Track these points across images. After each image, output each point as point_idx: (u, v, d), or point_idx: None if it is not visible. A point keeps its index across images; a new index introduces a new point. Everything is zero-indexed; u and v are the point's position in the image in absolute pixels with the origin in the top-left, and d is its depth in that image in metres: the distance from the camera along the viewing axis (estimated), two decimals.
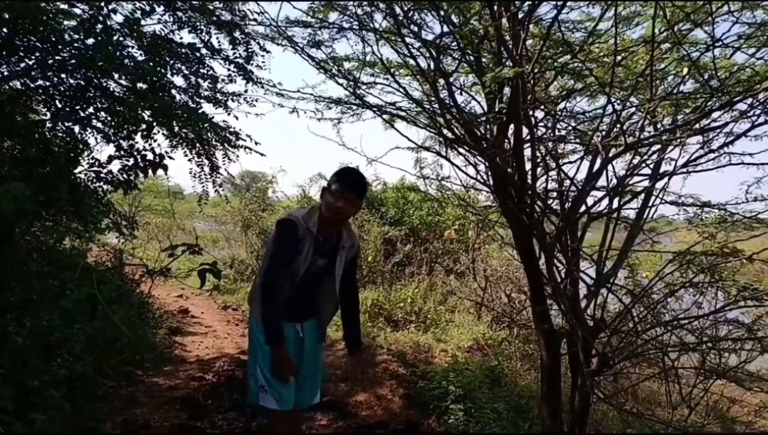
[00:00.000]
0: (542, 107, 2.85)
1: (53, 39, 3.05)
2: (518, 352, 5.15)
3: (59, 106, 3.37)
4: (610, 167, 2.53)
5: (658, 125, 2.56)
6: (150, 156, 3.28)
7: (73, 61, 3.16)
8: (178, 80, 3.81)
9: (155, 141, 3.42)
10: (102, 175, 3.48)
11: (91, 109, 3.44)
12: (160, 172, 3.30)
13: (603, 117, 2.74)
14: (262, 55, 3.95)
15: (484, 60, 2.72)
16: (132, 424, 3.29)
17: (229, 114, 4.00)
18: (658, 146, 2.44)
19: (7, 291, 2.70)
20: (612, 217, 2.66)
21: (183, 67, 3.76)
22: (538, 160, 2.69)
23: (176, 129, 3.65)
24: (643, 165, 2.62)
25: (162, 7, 3.49)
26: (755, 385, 2.62)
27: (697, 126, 2.22)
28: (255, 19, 3.63)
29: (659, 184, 2.58)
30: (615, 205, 2.61)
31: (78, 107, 3.37)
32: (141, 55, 3.43)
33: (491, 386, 4.28)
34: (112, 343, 4.14)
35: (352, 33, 2.89)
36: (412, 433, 3.60)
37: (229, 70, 3.92)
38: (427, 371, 4.51)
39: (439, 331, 5.94)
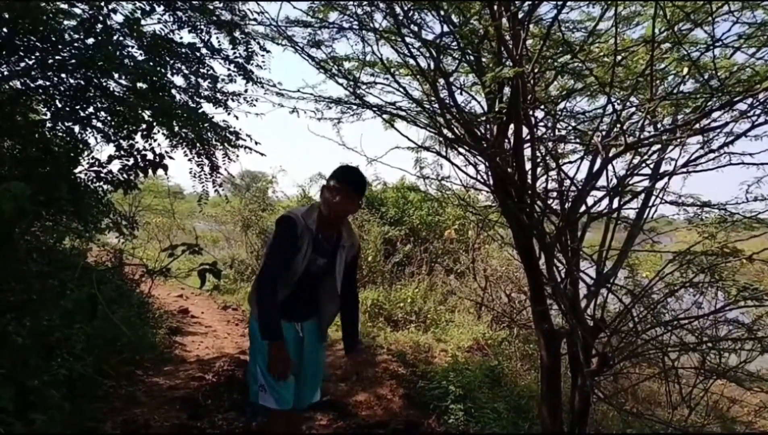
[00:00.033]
0: (542, 107, 2.85)
1: (53, 39, 3.05)
2: (518, 352, 5.15)
3: (59, 105, 3.37)
4: (610, 167, 2.53)
5: (658, 125, 2.56)
6: (150, 156, 3.27)
7: (73, 60, 3.15)
8: (178, 80, 3.81)
9: (155, 141, 3.42)
10: (102, 174, 3.48)
11: (91, 109, 3.44)
12: (160, 171, 3.30)
13: (603, 117, 2.74)
14: (262, 55, 3.95)
15: (484, 60, 2.72)
16: (132, 424, 3.28)
17: (229, 114, 4.00)
18: (658, 146, 2.44)
19: (7, 291, 2.70)
20: (612, 217, 2.66)
21: (183, 67, 3.76)
22: (538, 160, 2.69)
23: (176, 129, 3.65)
24: (643, 165, 2.62)
25: (162, 7, 3.49)
26: (755, 385, 2.62)
27: (697, 126, 2.22)
28: (255, 19, 3.63)
29: (659, 184, 2.58)
30: (615, 205, 2.61)
31: (78, 107, 3.37)
32: (141, 54, 3.43)
33: (491, 386, 4.28)
34: (112, 343, 4.14)
35: (352, 33, 2.89)
36: (412, 433, 3.60)
37: (229, 69, 3.92)
38: (427, 371, 4.51)
39: (439, 331, 5.94)
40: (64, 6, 3.09)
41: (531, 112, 2.65)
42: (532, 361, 4.95)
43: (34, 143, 2.96)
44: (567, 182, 2.76)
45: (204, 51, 3.81)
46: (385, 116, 3.11)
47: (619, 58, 2.32)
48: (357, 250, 2.54)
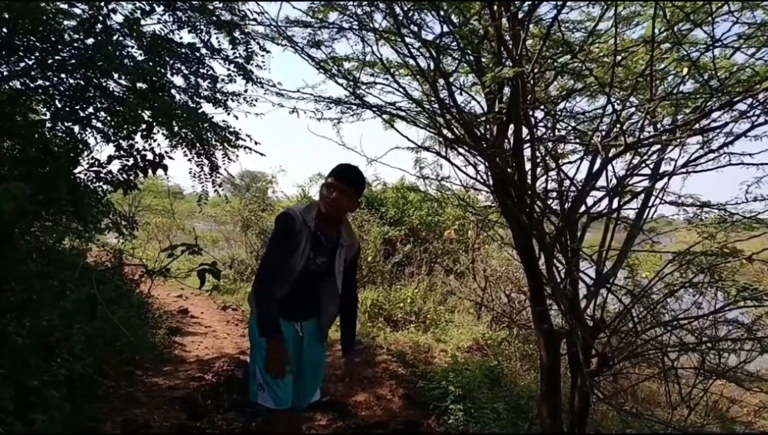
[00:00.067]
0: (542, 107, 2.85)
1: (53, 39, 3.05)
2: (518, 352, 5.15)
3: (59, 106, 3.37)
4: (609, 167, 2.53)
5: (658, 125, 2.56)
6: (150, 156, 3.27)
7: (72, 61, 3.15)
8: (178, 80, 3.81)
9: (155, 141, 3.41)
10: (102, 175, 3.48)
11: (90, 109, 3.44)
12: (159, 172, 3.30)
13: (603, 117, 2.74)
14: (262, 55, 3.95)
15: (484, 60, 2.72)
16: (132, 424, 3.28)
17: (228, 114, 4.00)
18: (658, 146, 2.44)
19: (7, 291, 2.70)
20: (612, 218, 2.66)
21: (183, 67, 3.76)
22: (538, 160, 2.69)
23: (176, 129, 3.65)
24: (643, 165, 2.62)
25: (162, 7, 3.49)
26: (755, 385, 2.63)
27: (697, 126, 2.22)
28: (255, 19, 3.63)
29: (659, 184, 2.58)
30: (615, 205, 2.61)
31: (78, 107, 3.37)
32: (141, 55, 3.43)
33: (491, 386, 4.28)
34: (111, 343, 4.14)
35: (351, 33, 2.89)
36: (412, 433, 3.60)
37: (228, 69, 3.92)
38: (427, 371, 4.51)
39: (438, 331, 5.95)
40: (64, 6, 3.09)
41: (531, 113, 2.65)
42: (531, 361, 4.96)
43: (33, 143, 2.96)
44: (567, 182, 2.76)
45: (204, 51, 3.81)
46: (384, 116, 3.11)
47: (618, 58, 2.32)
48: (357, 251, 2.53)
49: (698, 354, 2.58)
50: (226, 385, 4.01)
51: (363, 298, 6.54)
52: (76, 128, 3.50)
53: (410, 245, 8.34)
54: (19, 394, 2.40)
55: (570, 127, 3.02)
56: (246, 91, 3.98)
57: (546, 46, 2.45)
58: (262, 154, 4.23)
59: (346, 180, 2.31)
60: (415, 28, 2.64)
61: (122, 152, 3.44)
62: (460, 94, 2.98)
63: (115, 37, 3.16)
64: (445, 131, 2.86)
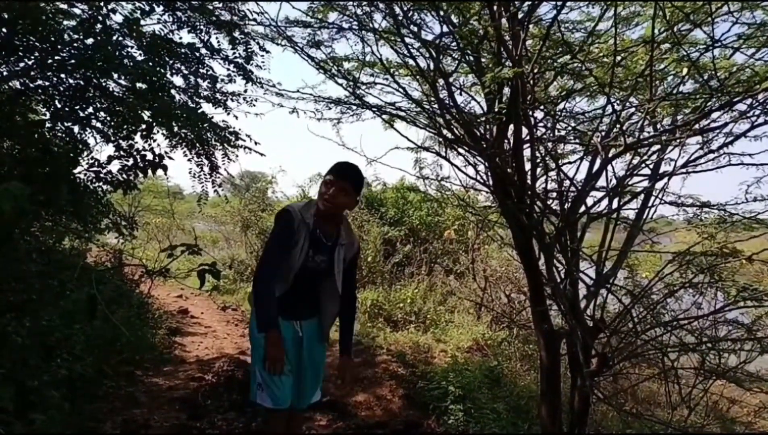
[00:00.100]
0: (542, 107, 2.86)
1: (53, 39, 3.05)
2: (518, 352, 5.16)
3: (59, 106, 3.37)
4: (609, 167, 2.53)
5: (658, 125, 2.56)
6: (149, 156, 3.27)
7: (72, 61, 3.15)
8: (178, 80, 3.81)
9: (155, 141, 3.41)
10: (101, 175, 3.48)
11: (90, 109, 3.44)
12: (159, 172, 3.30)
13: (603, 117, 2.74)
14: (262, 55, 3.95)
15: (483, 60, 2.72)
16: (132, 424, 3.28)
17: (228, 114, 4.00)
18: (658, 146, 2.44)
19: (7, 291, 2.70)
20: (611, 218, 2.66)
21: (182, 67, 3.75)
22: (538, 160, 2.69)
23: (176, 129, 3.65)
24: (643, 165, 2.62)
25: (161, 7, 3.49)
26: (755, 385, 2.63)
27: (696, 126, 2.22)
28: (254, 19, 3.62)
29: (659, 185, 2.58)
30: (615, 205, 2.61)
31: (77, 107, 3.37)
32: (140, 55, 3.43)
33: (491, 387, 4.28)
34: (111, 343, 4.14)
35: (351, 33, 2.89)
36: (412, 434, 3.60)
37: (228, 70, 3.92)
38: (427, 371, 4.51)
39: (438, 332, 5.95)
40: (64, 6, 3.09)
41: (530, 113, 2.65)
42: (531, 361, 4.96)
43: (33, 143, 2.96)
44: (566, 183, 2.76)
45: (203, 51, 3.80)
46: (384, 116, 3.11)
47: (618, 58, 2.32)
48: (357, 251, 2.52)
49: (698, 354, 2.58)
50: (226, 386, 4.01)
51: (363, 298, 6.54)
52: (76, 128, 3.50)
53: (410, 245, 8.34)
54: (19, 394, 2.40)
55: (570, 128, 3.02)
56: (246, 91, 3.98)
57: (546, 46, 2.45)
58: (261, 154, 4.23)
59: (344, 177, 2.31)
60: (415, 29, 2.64)
61: (122, 152, 3.44)
62: (460, 94, 2.99)
63: (114, 37, 3.16)
64: (444, 131, 2.87)
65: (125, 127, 3.39)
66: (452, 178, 3.37)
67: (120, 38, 3.21)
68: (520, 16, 2.38)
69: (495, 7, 2.31)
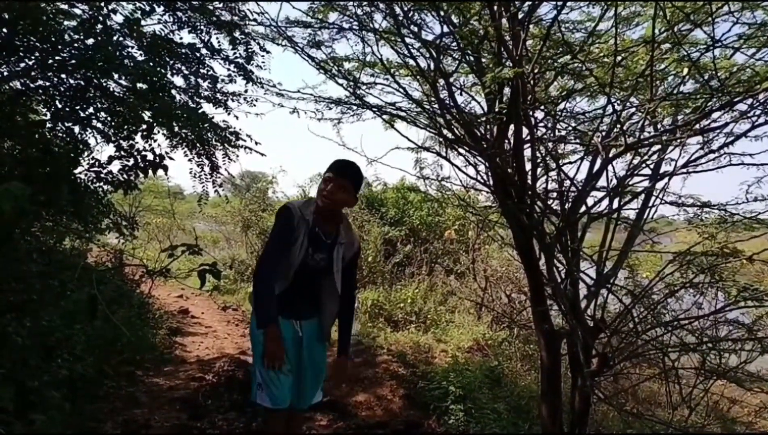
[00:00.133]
0: (542, 107, 2.86)
1: (53, 39, 3.05)
2: (518, 352, 5.16)
3: (59, 106, 3.37)
4: (610, 167, 2.53)
5: (658, 125, 2.56)
6: (150, 156, 3.27)
7: (73, 61, 3.16)
8: (178, 80, 3.81)
9: (155, 141, 3.41)
10: (102, 175, 3.48)
11: (91, 110, 3.44)
12: (160, 172, 3.30)
13: (603, 117, 2.74)
14: (262, 56, 3.95)
15: (484, 60, 2.72)
16: (132, 424, 3.28)
17: (229, 114, 4.00)
18: (658, 147, 2.44)
19: (7, 291, 2.70)
20: (612, 218, 2.66)
21: (183, 67, 3.75)
22: (538, 160, 2.69)
23: (176, 129, 3.65)
24: (643, 165, 2.62)
25: (162, 8, 3.49)
26: (755, 385, 2.63)
27: (697, 126, 2.22)
28: (255, 20, 3.62)
29: (659, 185, 2.59)
30: (615, 205, 2.61)
31: (78, 107, 3.37)
32: (141, 55, 3.43)
33: (491, 387, 4.28)
34: (112, 343, 4.14)
35: (352, 33, 2.89)
36: (413, 434, 3.60)
37: (229, 70, 3.92)
38: (428, 372, 4.51)
39: (439, 332, 5.94)
40: (64, 6, 3.09)
41: (531, 113, 2.65)
42: (532, 361, 4.96)
43: (34, 144, 2.96)
44: (567, 183, 2.76)
45: (204, 51, 3.80)
46: (385, 117, 3.11)
47: (619, 58, 2.32)
48: (357, 251, 2.51)
49: (699, 354, 2.58)
50: (226, 386, 4.01)
51: (363, 298, 6.54)
52: (77, 128, 3.50)
53: (410, 245, 8.34)
54: (20, 394, 2.40)
55: (570, 128, 3.02)
56: (246, 91, 3.98)
57: (546, 46, 2.45)
58: (262, 154, 4.23)
59: (343, 174, 2.31)
60: (415, 29, 2.64)
61: (122, 152, 3.44)
62: (461, 94, 2.99)
63: (115, 38, 3.16)
64: (445, 131, 2.87)
65: (126, 127, 3.39)
66: (453, 178, 3.37)
67: (120, 38, 3.21)
68: (520, 16, 2.38)
69: (495, 7, 2.31)
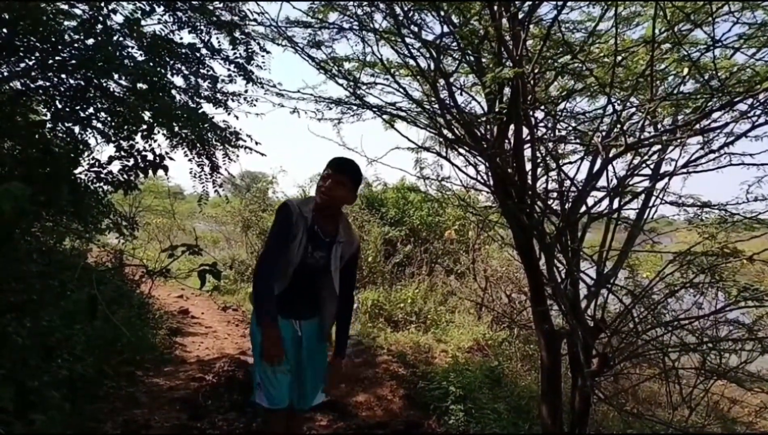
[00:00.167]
0: (542, 107, 2.86)
1: (53, 39, 3.05)
2: (518, 352, 5.15)
3: (59, 106, 3.37)
4: (610, 167, 2.53)
5: (659, 125, 2.56)
6: (150, 156, 3.27)
7: (73, 61, 3.16)
8: (178, 80, 3.81)
9: (155, 141, 3.41)
10: (102, 175, 3.48)
11: (91, 110, 3.44)
12: (160, 172, 3.30)
13: (603, 117, 2.74)
14: (262, 56, 3.95)
15: (484, 60, 2.72)
16: (132, 425, 3.28)
17: (229, 114, 4.00)
18: (659, 147, 2.44)
19: (7, 291, 2.70)
20: (612, 218, 2.66)
21: (183, 68, 3.75)
22: (539, 160, 2.69)
23: (176, 129, 3.65)
24: (644, 165, 2.62)
25: (162, 8, 3.49)
26: (756, 385, 2.62)
27: (697, 126, 2.22)
28: (255, 20, 3.63)
29: (659, 185, 2.59)
30: (615, 205, 2.61)
31: (78, 108, 3.37)
32: (141, 55, 3.43)
33: (491, 387, 4.28)
34: (112, 343, 4.14)
35: (352, 33, 2.89)
36: (413, 434, 3.60)
37: (229, 70, 3.92)
38: (428, 372, 4.51)
39: (439, 332, 5.94)
40: (65, 7, 3.09)
41: (531, 113, 2.65)
42: (532, 361, 4.96)
43: (34, 144, 2.96)
44: (567, 183, 2.76)
45: (204, 51, 3.80)
46: (385, 117, 3.11)
47: (619, 58, 2.32)
48: (356, 250, 2.49)
49: (699, 354, 2.58)
50: (226, 386, 4.01)
51: (363, 299, 6.54)
52: (77, 129, 3.50)
53: (411, 246, 8.35)
54: (20, 395, 2.40)
55: (570, 128, 3.02)
56: (246, 91, 3.98)
57: (546, 46, 2.45)
58: (262, 154, 4.23)
59: (341, 170, 2.31)
60: (416, 29, 2.64)
61: (123, 153, 3.44)
62: (461, 94, 2.99)
63: (115, 38, 3.16)
64: (445, 131, 2.87)
65: (126, 127, 3.39)
66: (453, 178, 3.37)
67: (121, 39, 3.21)
68: (520, 16, 2.38)
69: (495, 7, 2.31)
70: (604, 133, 2.66)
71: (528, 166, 2.63)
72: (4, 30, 2.95)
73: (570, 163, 3.00)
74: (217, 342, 5.65)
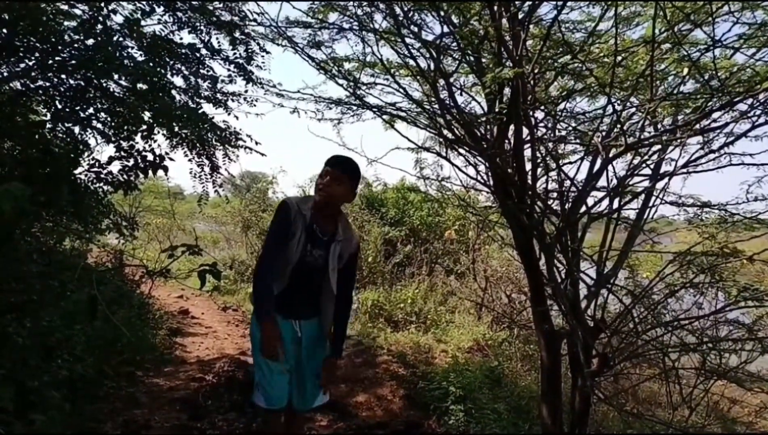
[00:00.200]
0: (542, 108, 2.85)
1: (53, 40, 3.05)
2: (518, 352, 5.15)
3: (59, 106, 3.37)
4: (610, 168, 2.53)
5: (659, 125, 2.56)
6: (150, 157, 3.27)
7: (73, 61, 3.16)
8: (178, 81, 3.80)
9: (155, 141, 3.42)
10: (102, 175, 3.48)
11: (91, 110, 3.44)
12: (160, 172, 3.30)
13: (603, 117, 2.74)
14: (262, 56, 3.95)
15: (484, 60, 2.72)
16: (132, 425, 3.28)
17: (229, 114, 4.00)
18: (659, 147, 2.44)
19: (7, 291, 2.70)
20: (612, 218, 2.66)
21: (183, 68, 3.75)
22: (539, 160, 2.69)
23: (176, 129, 3.65)
24: (644, 165, 2.62)
25: (162, 8, 3.49)
26: (756, 385, 2.62)
27: (697, 126, 2.22)
28: (255, 20, 3.62)
29: (659, 185, 2.58)
30: (615, 205, 2.61)
31: (78, 108, 3.37)
32: (141, 55, 3.43)
33: (491, 387, 4.28)
34: (112, 343, 4.14)
35: (352, 33, 2.89)
36: (413, 434, 3.60)
37: (229, 70, 3.92)
38: (428, 372, 4.51)
39: (439, 332, 5.94)
40: (64, 7, 3.09)
41: (531, 113, 2.65)
42: (532, 361, 4.95)
43: (34, 144, 2.96)
44: (567, 183, 2.76)
45: (204, 52, 3.80)
46: (385, 117, 3.11)
47: (619, 58, 2.32)
48: (356, 249, 2.48)
49: (699, 354, 2.58)
50: (226, 386, 4.01)
51: (363, 299, 6.55)
52: (77, 129, 3.50)
53: (411, 246, 8.35)
54: (20, 395, 2.40)
55: (570, 128, 3.02)
56: (246, 91, 3.98)
57: (546, 46, 2.45)
58: (262, 155, 4.22)
59: (338, 166, 2.31)
60: (416, 29, 2.64)
61: (122, 153, 3.44)
62: (461, 94, 2.98)
63: (115, 38, 3.16)
64: (445, 132, 2.86)
65: (126, 127, 3.39)
66: (453, 179, 3.37)
67: (120, 39, 3.21)
68: (520, 16, 2.38)
69: (495, 8, 2.31)
70: (604, 133, 2.66)
71: (528, 166, 2.63)
72: (4, 30, 2.95)
73: (570, 163, 3.00)
74: (217, 342, 5.65)
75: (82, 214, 3.55)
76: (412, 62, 2.69)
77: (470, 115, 2.95)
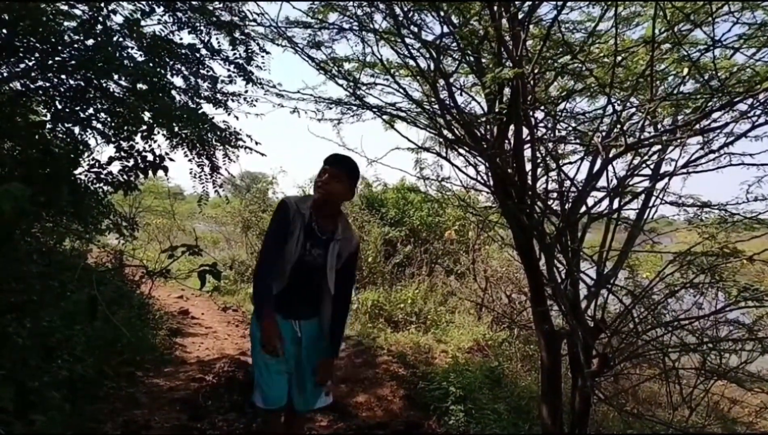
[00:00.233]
0: (542, 108, 2.85)
1: (53, 40, 3.06)
2: (519, 352, 5.15)
3: (59, 107, 3.37)
4: (610, 168, 2.53)
5: (659, 126, 2.56)
6: (150, 157, 3.28)
7: (73, 62, 3.16)
8: (178, 81, 3.81)
9: (155, 142, 3.42)
10: (102, 176, 3.48)
11: (91, 110, 3.45)
12: (160, 173, 3.30)
13: (603, 117, 2.74)
14: (262, 56, 3.95)
15: (484, 60, 2.72)
16: (132, 425, 3.28)
17: (229, 114, 4.00)
18: (659, 147, 2.44)
19: (7, 291, 2.70)
20: (612, 218, 2.66)
21: (183, 68, 3.75)
22: (539, 160, 2.69)
23: (176, 130, 3.65)
24: (644, 165, 2.62)
25: (162, 8, 3.49)
26: (756, 385, 2.62)
27: (697, 126, 2.22)
28: (255, 20, 3.62)
29: (659, 185, 2.58)
30: (615, 205, 2.61)
31: (78, 108, 3.37)
32: (141, 55, 3.43)
33: (491, 387, 4.28)
34: (112, 344, 4.14)
35: (352, 34, 2.89)
36: (413, 434, 3.60)
37: (229, 70, 3.92)
38: (428, 372, 4.51)
39: (439, 332, 5.94)
40: (64, 7, 3.09)
41: (531, 113, 2.65)
42: (532, 362, 4.95)
43: (34, 144, 2.96)
44: (567, 183, 2.76)
45: (204, 52, 3.81)
46: (385, 117, 3.11)
47: (619, 58, 2.32)
48: (355, 249, 2.47)
49: (699, 354, 2.58)
50: (226, 386, 4.01)
51: (363, 299, 6.54)
52: (77, 129, 3.50)
53: (411, 246, 8.34)
54: (20, 395, 2.40)
55: (570, 128, 3.02)
56: (246, 91, 3.98)
57: (546, 46, 2.45)
58: (262, 155, 4.23)
59: (337, 164, 2.31)
60: (415, 29, 2.64)
61: (122, 153, 3.45)
62: (461, 94, 2.98)
63: (115, 38, 3.16)
64: (445, 132, 2.86)
65: (126, 127, 3.40)
66: (453, 179, 3.37)
67: (120, 39, 3.22)
68: (520, 16, 2.38)
69: (495, 8, 2.31)
70: (604, 133, 2.66)
71: (528, 167, 2.63)
72: (4, 30, 2.95)
73: (570, 163, 3.00)
74: (217, 342, 5.65)
75: (82, 215, 3.55)
76: (412, 62, 2.69)
77: (470, 115, 2.95)
